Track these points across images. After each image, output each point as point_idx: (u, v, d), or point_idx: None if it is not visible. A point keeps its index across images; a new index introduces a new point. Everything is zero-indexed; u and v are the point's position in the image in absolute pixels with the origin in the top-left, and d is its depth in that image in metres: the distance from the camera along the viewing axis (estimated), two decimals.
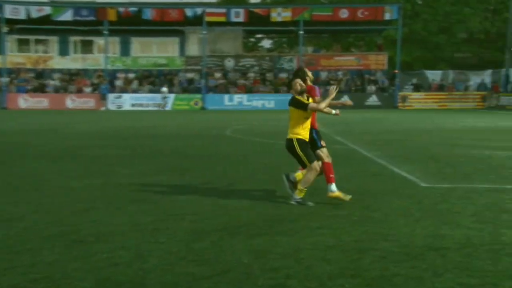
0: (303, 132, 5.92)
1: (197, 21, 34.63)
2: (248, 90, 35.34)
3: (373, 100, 34.71)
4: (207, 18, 34.28)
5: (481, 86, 36.28)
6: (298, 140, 5.90)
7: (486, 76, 37.59)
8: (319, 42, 45.39)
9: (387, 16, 34.51)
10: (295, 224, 5.27)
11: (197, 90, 35.13)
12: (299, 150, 5.88)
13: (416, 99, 35.03)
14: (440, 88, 36.27)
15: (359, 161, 9.69)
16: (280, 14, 34.17)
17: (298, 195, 6.04)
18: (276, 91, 35.24)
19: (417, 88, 36.28)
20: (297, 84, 5.89)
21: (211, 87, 35.49)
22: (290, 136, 5.95)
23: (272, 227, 5.15)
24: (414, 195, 6.68)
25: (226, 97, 34.40)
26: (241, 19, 34.12)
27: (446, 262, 4.16)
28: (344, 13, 34.09)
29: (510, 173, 8.35)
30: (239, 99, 34.31)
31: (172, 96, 34.07)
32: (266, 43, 51.60)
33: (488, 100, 34.98)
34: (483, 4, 46.60)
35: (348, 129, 17.31)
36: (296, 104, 5.83)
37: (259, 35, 47.10)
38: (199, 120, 22.29)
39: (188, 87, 35.19)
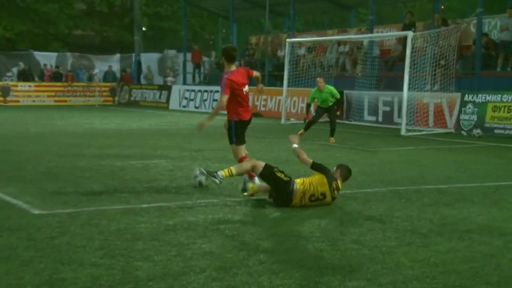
0: None
1: None
2: None
3: None
4: None
5: (109, 76, 38.87)
6: None
7: (114, 63, 40.59)
8: None
9: None
10: None
11: None
12: None
13: (24, 91, 35.04)
14: (57, 76, 37.22)
15: None
16: None
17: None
18: None
19: (25, 76, 36.29)
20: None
21: None
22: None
23: None
24: (23, 227, 6.68)
25: None
26: None
27: None
28: None
29: (146, 188, 9.24)
30: None
31: None
32: None
33: (118, 94, 37.79)
34: None
35: None
36: None
37: None
38: None
39: None
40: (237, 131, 8.97)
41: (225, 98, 8.80)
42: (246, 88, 8.99)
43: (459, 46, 21.30)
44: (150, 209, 7.77)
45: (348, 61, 26.78)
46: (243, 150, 9.11)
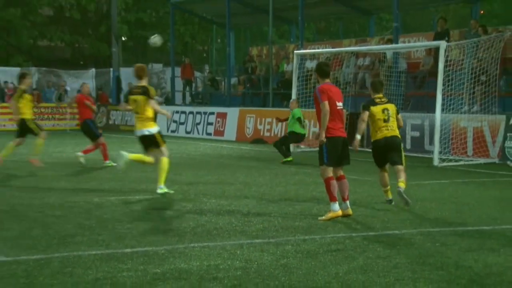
0: None
1: None
2: None
3: None
4: None
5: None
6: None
7: (89, 79, 40.72)
8: None
9: None
10: None
11: None
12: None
13: None
14: None
15: None
16: None
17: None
18: None
19: None
20: None
21: None
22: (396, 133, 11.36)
23: None
24: None
25: None
26: None
27: None
28: None
29: (129, 229, 9.26)
30: None
31: None
32: None
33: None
34: None
35: None
36: None
37: None
38: None
39: None
40: (328, 149, 9.82)
41: (326, 104, 9.69)
42: (341, 104, 9.93)
43: (502, 59, 21.33)
44: (134, 254, 7.79)
45: (368, 77, 26.88)
46: (330, 171, 9.93)
